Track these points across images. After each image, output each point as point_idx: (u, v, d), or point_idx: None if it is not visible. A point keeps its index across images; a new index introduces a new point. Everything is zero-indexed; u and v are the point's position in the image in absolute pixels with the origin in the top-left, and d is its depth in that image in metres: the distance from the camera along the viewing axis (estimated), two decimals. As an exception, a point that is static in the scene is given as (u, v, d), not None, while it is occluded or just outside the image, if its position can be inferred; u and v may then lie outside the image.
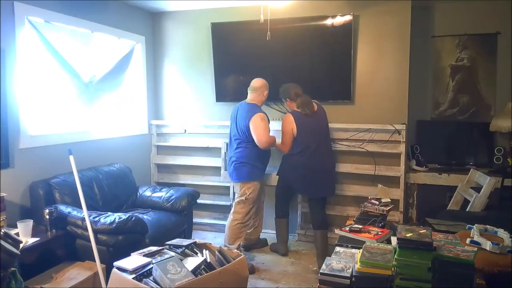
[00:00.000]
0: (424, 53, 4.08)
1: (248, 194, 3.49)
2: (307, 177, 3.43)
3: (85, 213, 2.65)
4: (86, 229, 2.65)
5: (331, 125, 3.97)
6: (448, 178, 3.73)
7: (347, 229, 2.21)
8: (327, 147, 3.60)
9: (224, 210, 4.46)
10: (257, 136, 3.31)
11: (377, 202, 2.50)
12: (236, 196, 3.62)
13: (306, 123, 3.42)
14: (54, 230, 2.73)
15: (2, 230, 2.06)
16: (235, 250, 2.61)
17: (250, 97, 3.55)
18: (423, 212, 3.77)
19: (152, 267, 2.19)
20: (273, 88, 4.16)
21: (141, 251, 2.42)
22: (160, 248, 2.49)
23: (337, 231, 2.27)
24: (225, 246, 3.42)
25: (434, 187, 3.82)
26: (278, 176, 3.70)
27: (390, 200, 2.58)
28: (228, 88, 4.34)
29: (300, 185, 3.54)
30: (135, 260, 2.29)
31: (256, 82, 3.54)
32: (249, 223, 3.63)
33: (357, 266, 1.67)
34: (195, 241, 2.62)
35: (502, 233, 2.10)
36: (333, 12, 3.88)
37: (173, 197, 3.66)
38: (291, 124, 3.42)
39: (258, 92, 3.52)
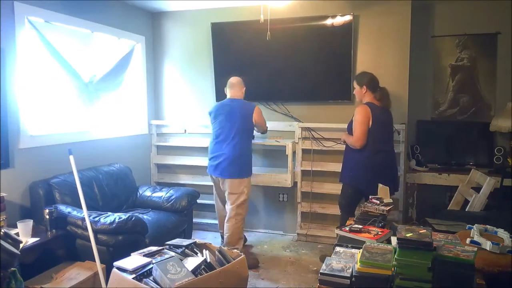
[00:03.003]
0: (424, 53, 4.08)
1: (247, 190, 3.50)
2: (385, 175, 3.17)
3: (85, 213, 2.65)
4: (86, 229, 2.65)
5: (331, 125, 3.99)
6: (448, 178, 3.73)
7: (347, 229, 2.21)
8: (392, 144, 3.40)
9: (224, 210, 4.46)
10: (263, 124, 3.63)
11: (378, 202, 2.50)
12: (232, 196, 3.49)
13: (382, 117, 3.23)
14: (54, 230, 2.73)
15: (2, 230, 2.06)
16: (235, 251, 2.60)
17: (233, 93, 3.59)
18: (423, 212, 3.77)
19: (152, 267, 2.19)
20: (273, 87, 4.18)
21: (141, 251, 2.42)
22: (160, 248, 2.49)
23: (337, 231, 2.27)
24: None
25: (434, 187, 3.82)
26: (345, 185, 3.36)
27: (392, 201, 2.57)
28: (228, 88, 4.34)
29: (390, 184, 3.11)
30: (135, 260, 2.29)
31: (234, 79, 3.62)
32: None
33: (357, 266, 1.67)
34: (195, 241, 2.61)
35: (502, 233, 2.10)
36: (333, 12, 3.88)
37: (173, 197, 3.66)
38: (368, 115, 3.15)
39: (237, 87, 3.60)
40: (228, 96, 3.61)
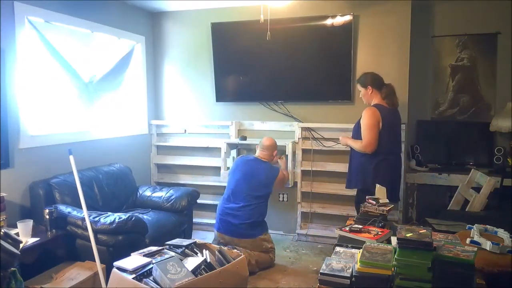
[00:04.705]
0: (424, 53, 4.08)
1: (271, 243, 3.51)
2: (392, 180, 3.04)
3: (85, 213, 2.65)
4: (86, 229, 2.65)
5: (331, 125, 3.99)
6: (448, 178, 3.73)
7: (347, 229, 2.21)
8: (400, 147, 3.25)
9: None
10: (283, 184, 3.71)
11: (374, 202, 2.50)
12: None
13: (391, 119, 3.04)
14: (54, 230, 2.73)
15: (2, 230, 2.07)
16: (235, 251, 2.60)
17: (261, 154, 3.57)
18: (423, 212, 3.77)
19: (152, 267, 2.19)
20: (272, 88, 4.18)
21: (141, 251, 2.42)
22: (160, 248, 2.49)
23: (337, 231, 2.27)
24: None
25: (434, 187, 3.82)
26: (358, 190, 3.18)
27: (388, 201, 2.57)
28: (228, 88, 4.34)
29: (395, 190, 3.09)
30: (135, 260, 2.29)
31: (268, 141, 3.60)
32: None
33: (357, 266, 1.67)
34: (195, 241, 2.62)
35: (502, 233, 2.10)
36: (333, 12, 3.88)
37: (173, 197, 3.66)
38: (377, 117, 2.97)
39: (269, 151, 3.57)
40: (256, 154, 3.62)
